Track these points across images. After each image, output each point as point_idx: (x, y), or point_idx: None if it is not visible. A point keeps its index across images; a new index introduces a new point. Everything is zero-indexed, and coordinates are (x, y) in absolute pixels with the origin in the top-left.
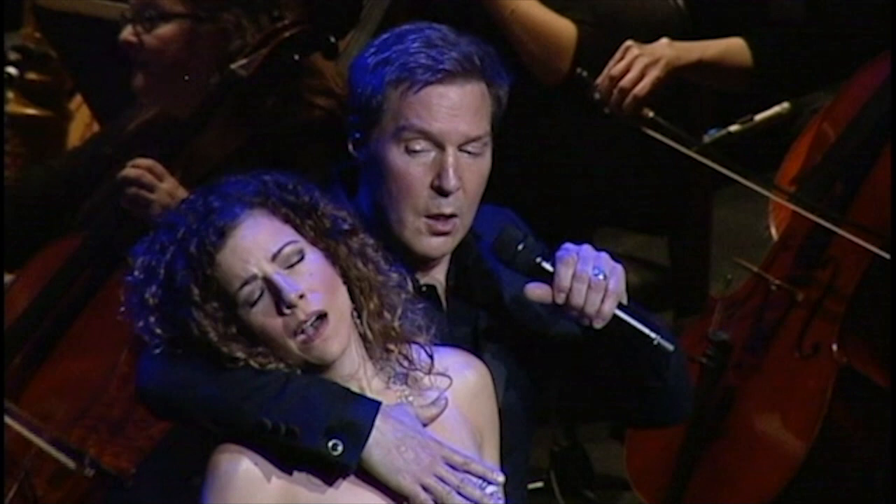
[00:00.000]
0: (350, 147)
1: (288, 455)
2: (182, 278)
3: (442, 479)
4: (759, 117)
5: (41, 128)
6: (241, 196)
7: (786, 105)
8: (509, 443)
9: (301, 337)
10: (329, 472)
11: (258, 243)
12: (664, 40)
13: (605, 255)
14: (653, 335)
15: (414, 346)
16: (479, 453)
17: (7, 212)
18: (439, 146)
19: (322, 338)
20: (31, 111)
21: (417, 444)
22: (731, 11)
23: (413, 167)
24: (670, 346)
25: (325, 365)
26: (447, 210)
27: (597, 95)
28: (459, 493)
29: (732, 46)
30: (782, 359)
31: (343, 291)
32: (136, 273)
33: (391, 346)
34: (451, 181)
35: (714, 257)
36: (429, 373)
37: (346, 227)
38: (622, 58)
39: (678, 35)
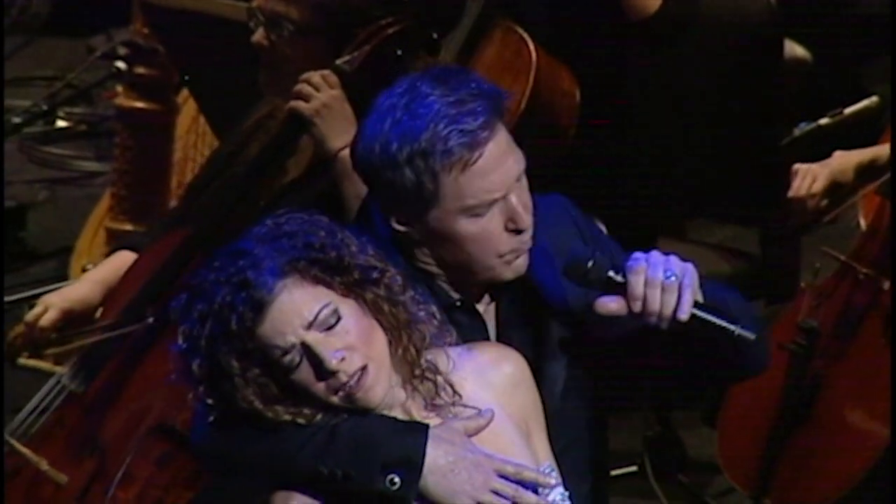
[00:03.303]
0: (392, 223)
1: (345, 494)
2: (223, 353)
3: (497, 493)
4: (848, 111)
5: (149, 121)
6: (272, 264)
7: (875, 99)
8: (564, 442)
9: (343, 393)
10: (387, 503)
11: (295, 313)
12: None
13: (673, 258)
14: (732, 327)
15: (439, 377)
16: (527, 444)
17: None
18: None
19: (364, 389)
20: (139, 105)
21: (470, 464)
22: (822, 6)
23: (488, 225)
24: (751, 336)
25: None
26: (526, 238)
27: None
28: (516, 503)
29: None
30: (869, 346)
31: (379, 336)
32: (180, 341)
33: (418, 372)
34: (527, 220)
35: (803, 247)
36: (453, 403)
37: (374, 275)
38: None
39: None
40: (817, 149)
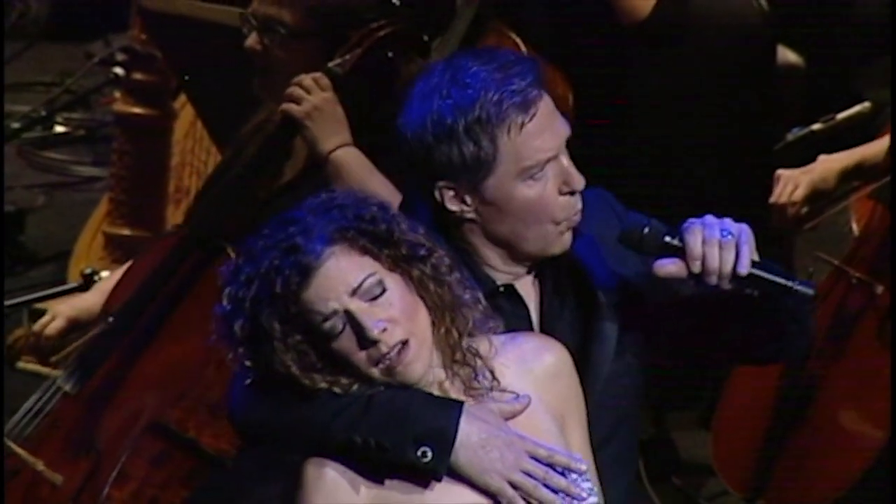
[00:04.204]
0: (446, 202)
1: (377, 464)
2: (266, 316)
3: (528, 474)
4: (841, 116)
5: (147, 126)
6: (322, 232)
7: (867, 104)
8: (605, 432)
9: (383, 365)
10: (418, 475)
11: (339, 280)
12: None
13: (727, 219)
14: (791, 283)
15: (478, 362)
16: (561, 436)
17: None
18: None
19: (404, 364)
20: (137, 110)
21: (502, 443)
22: (814, 11)
23: (545, 189)
24: (810, 290)
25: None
26: (579, 204)
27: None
28: (546, 486)
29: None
30: (864, 348)
31: (423, 314)
32: (224, 303)
33: (458, 357)
34: (580, 180)
35: (797, 251)
36: (491, 389)
37: (422, 252)
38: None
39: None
40: (810, 154)
